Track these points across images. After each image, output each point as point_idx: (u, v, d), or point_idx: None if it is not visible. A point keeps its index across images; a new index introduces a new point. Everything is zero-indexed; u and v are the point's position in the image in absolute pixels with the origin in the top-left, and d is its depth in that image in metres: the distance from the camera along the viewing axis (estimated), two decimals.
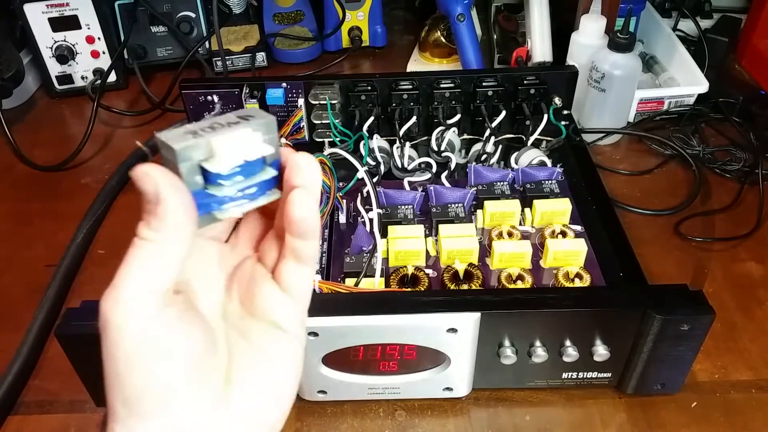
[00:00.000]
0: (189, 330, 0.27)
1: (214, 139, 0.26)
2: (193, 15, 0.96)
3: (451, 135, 0.68)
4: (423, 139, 0.70)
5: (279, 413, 0.30)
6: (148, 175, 0.25)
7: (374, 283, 0.53)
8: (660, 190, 0.73)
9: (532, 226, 0.60)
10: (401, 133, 0.68)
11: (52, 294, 0.58)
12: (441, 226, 0.57)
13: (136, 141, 0.27)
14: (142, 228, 0.26)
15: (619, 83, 0.73)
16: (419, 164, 0.66)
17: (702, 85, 0.81)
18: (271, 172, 0.28)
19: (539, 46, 0.82)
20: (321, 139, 0.70)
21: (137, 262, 0.26)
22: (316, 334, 0.46)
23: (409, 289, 0.54)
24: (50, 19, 0.88)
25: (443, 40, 0.96)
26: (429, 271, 0.55)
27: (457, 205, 0.60)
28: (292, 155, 0.29)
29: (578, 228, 0.59)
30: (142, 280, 0.26)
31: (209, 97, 0.69)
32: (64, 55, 0.90)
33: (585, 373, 0.51)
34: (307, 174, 0.28)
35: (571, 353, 0.48)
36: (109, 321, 0.25)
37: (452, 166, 0.66)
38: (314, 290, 0.52)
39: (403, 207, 0.60)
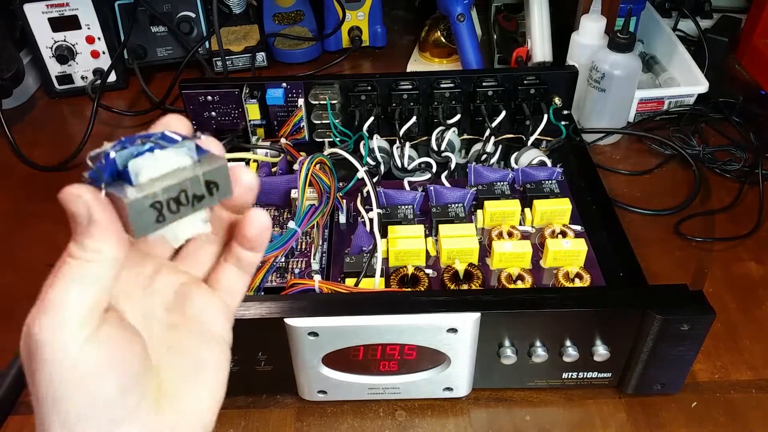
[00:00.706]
0: (126, 347, 0.27)
1: (172, 225, 0.26)
2: (193, 15, 0.96)
3: (451, 135, 0.68)
4: (423, 139, 0.70)
5: (212, 414, 0.31)
6: (80, 197, 0.25)
7: (374, 283, 0.53)
8: (660, 190, 0.73)
9: (532, 226, 0.60)
10: (401, 133, 0.68)
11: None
12: (441, 226, 0.57)
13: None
14: (74, 248, 0.26)
15: (619, 83, 0.73)
16: (419, 164, 0.66)
17: (702, 85, 0.81)
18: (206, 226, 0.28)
19: (539, 46, 0.82)
20: (321, 139, 0.70)
21: (72, 281, 0.25)
22: (316, 334, 0.46)
23: (409, 289, 0.54)
24: (50, 19, 0.88)
25: (443, 40, 0.96)
26: (429, 271, 0.55)
27: (457, 205, 0.60)
28: (240, 176, 0.28)
29: (578, 228, 0.59)
30: (78, 300, 0.25)
31: (209, 97, 0.69)
32: (64, 55, 0.90)
33: (585, 373, 0.51)
34: (245, 182, 0.29)
35: (571, 353, 0.48)
36: (44, 343, 0.25)
37: (452, 166, 0.66)
38: (314, 290, 0.52)
39: (403, 207, 0.60)
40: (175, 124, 0.28)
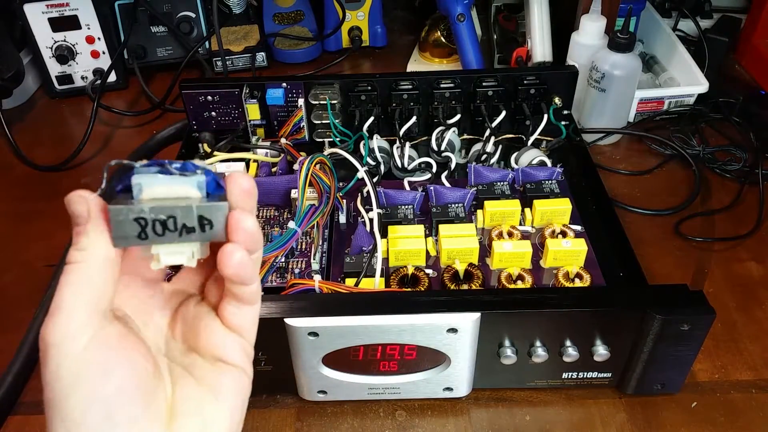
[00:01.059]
0: (130, 351, 0.28)
1: (156, 247, 0.28)
2: (193, 15, 0.96)
3: (451, 135, 0.68)
4: (423, 139, 0.70)
5: None
6: (83, 198, 0.27)
7: (374, 283, 0.53)
8: (660, 190, 0.73)
9: (532, 226, 0.60)
10: (401, 133, 0.68)
11: (53, 293, 0.58)
12: (441, 226, 0.57)
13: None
14: (71, 253, 0.27)
15: (619, 83, 0.73)
16: (419, 164, 0.66)
17: (702, 85, 0.81)
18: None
19: (539, 46, 0.82)
20: (321, 139, 0.70)
21: (69, 284, 0.27)
22: (316, 334, 0.46)
23: (409, 289, 0.54)
24: (50, 19, 0.88)
25: (443, 40, 0.96)
26: (429, 271, 0.55)
27: (457, 205, 0.60)
28: (233, 214, 0.28)
29: (578, 228, 0.59)
30: (76, 300, 0.26)
31: (209, 97, 0.69)
32: (64, 55, 0.90)
33: (585, 373, 0.51)
34: (241, 231, 0.28)
35: (571, 353, 0.48)
36: (49, 344, 0.26)
37: (452, 166, 0.66)
38: (314, 290, 0.52)
39: (403, 207, 0.60)
40: (242, 180, 0.28)
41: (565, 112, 0.70)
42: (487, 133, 0.67)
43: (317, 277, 0.53)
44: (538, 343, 0.48)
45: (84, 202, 0.27)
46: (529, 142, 0.68)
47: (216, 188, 0.28)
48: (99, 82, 0.90)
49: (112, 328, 0.27)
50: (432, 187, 0.62)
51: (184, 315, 0.32)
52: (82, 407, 0.26)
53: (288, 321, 0.45)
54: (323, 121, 0.69)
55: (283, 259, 0.57)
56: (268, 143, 0.69)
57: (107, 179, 0.27)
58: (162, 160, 0.27)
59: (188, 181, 0.27)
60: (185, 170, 0.27)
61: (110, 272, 0.27)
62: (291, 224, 0.56)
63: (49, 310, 0.26)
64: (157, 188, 0.27)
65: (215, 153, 0.66)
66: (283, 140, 0.69)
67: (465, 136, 0.71)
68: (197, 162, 0.28)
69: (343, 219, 0.62)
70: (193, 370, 0.30)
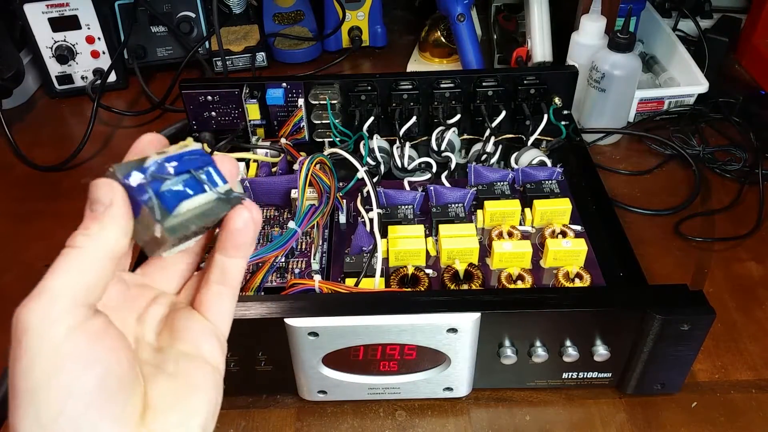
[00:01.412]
0: (112, 346, 0.27)
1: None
2: (193, 15, 0.96)
3: (451, 135, 0.68)
4: (423, 139, 0.70)
5: None
6: (110, 185, 0.27)
7: (374, 283, 0.53)
8: (660, 190, 0.73)
9: (532, 226, 0.60)
10: (401, 133, 0.68)
11: None
12: (441, 226, 0.57)
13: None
14: (74, 237, 0.26)
15: (619, 83, 0.73)
16: (419, 164, 0.66)
17: (702, 85, 0.81)
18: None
19: (539, 46, 0.82)
20: (321, 139, 0.70)
21: (61, 269, 0.25)
22: (316, 334, 0.46)
23: (409, 289, 0.54)
24: (50, 19, 0.88)
25: (443, 40, 0.96)
26: (429, 271, 0.55)
27: (457, 205, 0.60)
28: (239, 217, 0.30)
29: (578, 228, 0.59)
30: (64, 286, 0.25)
31: (209, 97, 0.69)
32: (64, 55, 0.90)
33: (585, 373, 0.51)
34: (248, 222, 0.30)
35: (571, 353, 0.48)
36: (28, 329, 0.24)
37: (452, 166, 0.66)
38: (314, 290, 0.52)
39: (403, 207, 0.60)
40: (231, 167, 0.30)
41: (565, 112, 0.70)
42: (487, 133, 0.67)
43: (317, 277, 0.53)
44: (538, 343, 0.48)
45: (110, 191, 0.26)
46: (529, 142, 0.68)
47: (215, 176, 0.29)
48: (99, 82, 0.90)
49: (95, 320, 0.26)
50: (432, 187, 0.62)
51: (154, 313, 0.31)
52: (59, 401, 0.24)
53: (288, 321, 0.45)
54: (323, 121, 0.69)
55: (283, 259, 0.57)
56: (268, 143, 0.69)
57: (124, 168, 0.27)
58: (162, 164, 0.27)
59: (209, 194, 0.28)
60: (191, 168, 0.28)
61: (108, 268, 0.26)
62: (291, 224, 0.56)
63: (32, 292, 0.25)
64: (185, 203, 0.28)
65: (215, 153, 0.66)
66: (283, 140, 0.69)
67: (465, 136, 0.71)
68: (189, 147, 0.29)
69: (343, 219, 0.62)
70: (165, 367, 0.29)
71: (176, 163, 0.28)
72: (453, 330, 0.46)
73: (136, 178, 0.27)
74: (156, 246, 0.28)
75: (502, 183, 0.62)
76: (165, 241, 0.27)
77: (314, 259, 0.56)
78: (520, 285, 0.54)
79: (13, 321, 0.25)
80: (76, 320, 0.25)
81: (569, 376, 0.51)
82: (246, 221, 0.29)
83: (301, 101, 0.70)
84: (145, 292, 0.32)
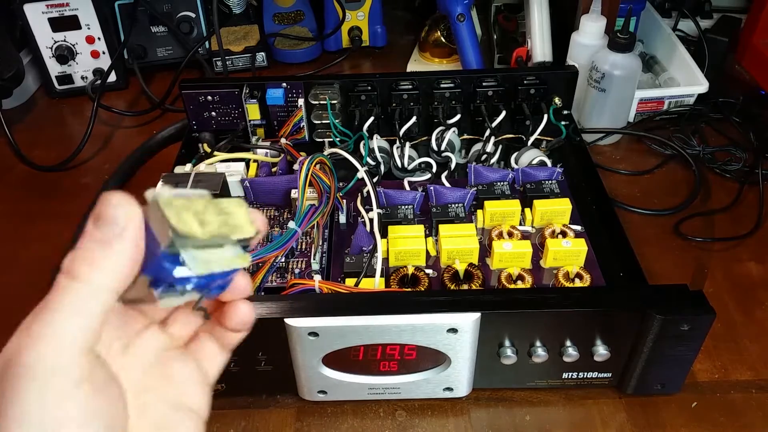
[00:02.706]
0: (111, 397, 0.25)
1: None
2: (193, 15, 0.96)
3: (451, 135, 0.68)
4: (423, 139, 0.70)
5: None
6: (127, 204, 0.23)
7: (374, 283, 0.53)
8: (660, 190, 0.73)
9: (532, 226, 0.60)
10: (401, 133, 0.68)
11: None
12: (441, 226, 0.57)
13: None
14: (76, 266, 0.23)
15: (619, 83, 0.73)
16: (419, 164, 0.66)
17: (702, 85, 0.81)
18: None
19: (539, 46, 0.81)
20: (321, 139, 0.70)
21: (68, 308, 0.22)
22: (316, 334, 0.46)
23: (409, 289, 0.54)
24: (50, 19, 0.88)
25: (443, 40, 0.96)
26: (429, 271, 0.55)
27: (457, 205, 0.60)
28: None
29: (578, 228, 0.59)
30: (73, 330, 0.22)
31: (209, 97, 0.69)
32: (64, 55, 0.90)
33: (585, 373, 0.51)
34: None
35: (571, 353, 0.48)
36: (29, 376, 0.21)
37: (452, 166, 0.66)
38: (314, 290, 0.52)
39: (403, 207, 0.60)
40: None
41: (565, 112, 0.70)
42: (487, 133, 0.67)
43: (317, 277, 0.53)
44: (538, 343, 0.48)
45: (125, 211, 0.23)
46: (529, 142, 0.68)
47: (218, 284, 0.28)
48: (99, 82, 0.90)
49: (99, 370, 0.24)
50: (432, 187, 0.62)
51: (145, 346, 0.29)
52: None
53: (288, 321, 0.45)
54: (323, 121, 0.69)
55: (283, 259, 0.57)
56: (268, 143, 0.69)
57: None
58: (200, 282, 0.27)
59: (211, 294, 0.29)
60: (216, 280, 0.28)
61: (111, 305, 0.23)
62: (291, 224, 0.56)
63: (33, 328, 0.22)
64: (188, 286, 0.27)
65: (215, 153, 0.66)
66: (283, 140, 0.69)
67: (465, 136, 0.71)
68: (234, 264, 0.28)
69: (343, 219, 0.62)
70: (149, 414, 0.27)
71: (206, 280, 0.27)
72: (453, 330, 0.46)
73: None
74: (138, 303, 0.27)
75: (502, 183, 0.62)
76: (152, 303, 0.26)
77: (314, 259, 0.56)
78: (520, 285, 0.54)
79: (7, 356, 0.22)
80: (83, 372, 0.23)
81: (569, 376, 0.51)
82: (240, 324, 0.30)
83: (301, 101, 0.70)
84: (132, 321, 0.29)
